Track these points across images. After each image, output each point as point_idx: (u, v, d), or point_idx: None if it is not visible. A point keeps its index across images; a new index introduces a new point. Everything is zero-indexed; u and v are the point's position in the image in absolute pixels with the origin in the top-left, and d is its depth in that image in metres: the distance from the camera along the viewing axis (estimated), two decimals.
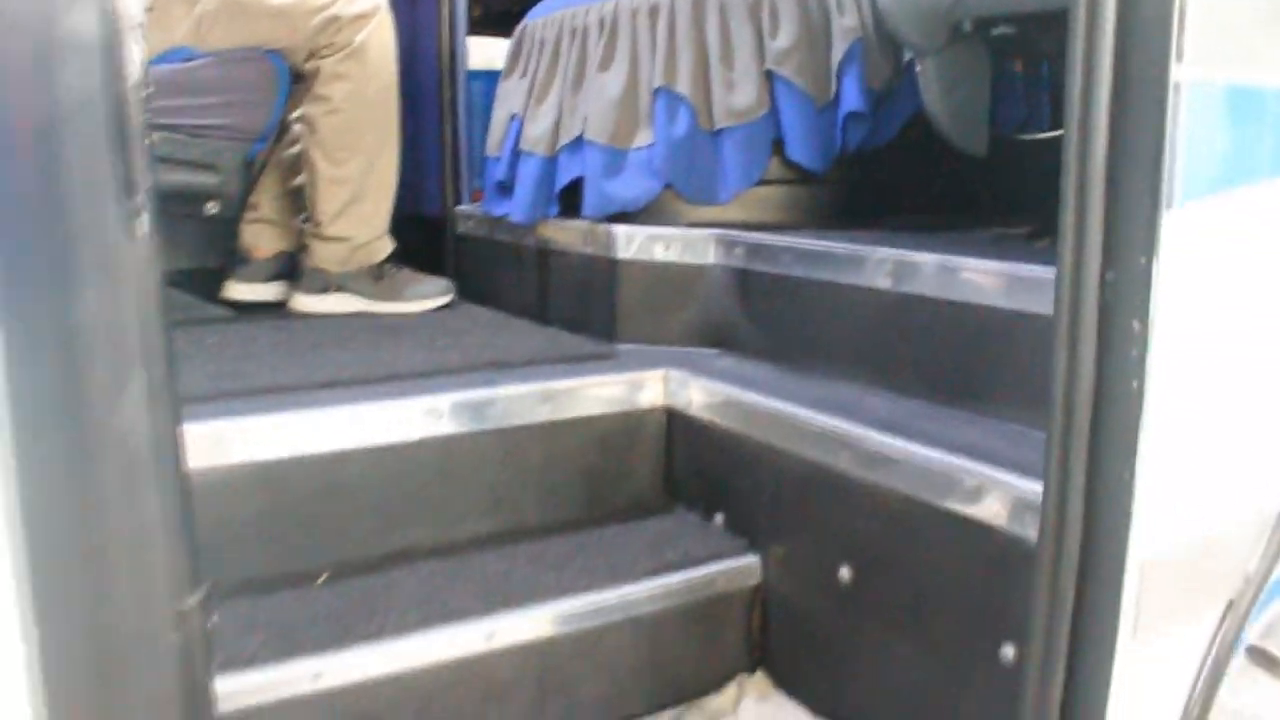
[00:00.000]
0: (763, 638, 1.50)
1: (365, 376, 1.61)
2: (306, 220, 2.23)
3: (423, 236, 2.54)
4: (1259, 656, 1.28)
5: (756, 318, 1.79)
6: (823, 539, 1.40)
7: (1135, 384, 0.93)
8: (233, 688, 1.13)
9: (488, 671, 1.31)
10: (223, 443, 1.37)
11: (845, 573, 1.34)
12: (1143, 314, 0.92)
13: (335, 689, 1.21)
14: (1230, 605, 1.12)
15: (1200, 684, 1.10)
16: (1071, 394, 0.95)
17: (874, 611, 1.32)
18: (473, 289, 2.35)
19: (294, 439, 1.42)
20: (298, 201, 2.27)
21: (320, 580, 1.38)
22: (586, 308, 2.03)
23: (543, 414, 1.59)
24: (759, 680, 1.48)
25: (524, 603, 1.35)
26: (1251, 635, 1.29)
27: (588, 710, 1.40)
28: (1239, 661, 1.28)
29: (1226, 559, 1.11)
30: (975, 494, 1.19)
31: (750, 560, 1.50)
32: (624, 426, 1.65)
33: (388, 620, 1.28)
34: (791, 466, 1.45)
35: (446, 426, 1.52)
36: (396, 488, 1.49)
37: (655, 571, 1.44)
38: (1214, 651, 1.11)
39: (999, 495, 1.17)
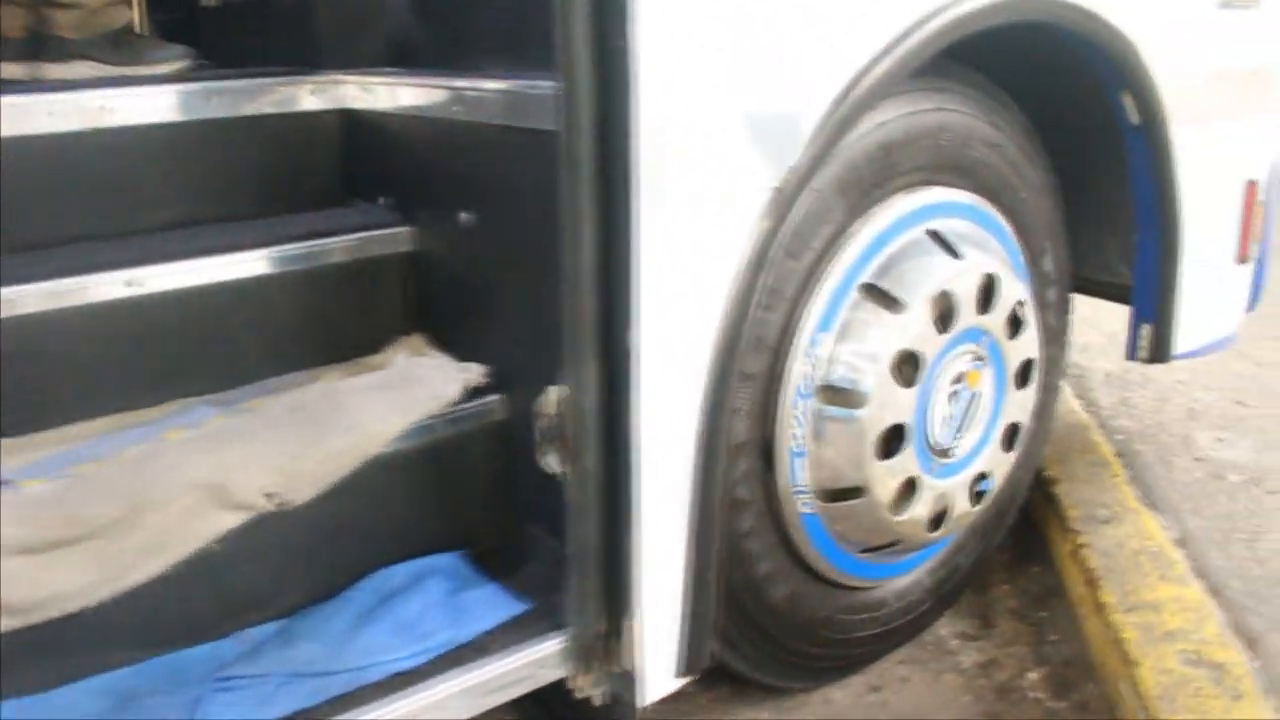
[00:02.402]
0: (420, 304, 1.67)
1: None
2: None
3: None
4: (873, 293, 1.51)
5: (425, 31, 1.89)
6: (441, 191, 1.56)
7: None
8: None
9: (138, 315, 1.44)
10: None
11: (464, 216, 1.51)
12: None
13: None
14: (777, 192, 1.31)
15: (749, 259, 1.30)
16: None
17: (486, 247, 1.50)
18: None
19: None
20: None
21: None
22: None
23: (217, 110, 1.67)
24: (416, 340, 1.65)
25: (173, 259, 1.47)
26: (867, 273, 1.53)
27: (251, 358, 1.55)
28: (853, 297, 1.52)
29: (770, 146, 1.28)
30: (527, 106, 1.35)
31: (403, 230, 1.64)
32: (298, 127, 1.75)
33: (43, 270, 1.40)
34: (418, 130, 1.59)
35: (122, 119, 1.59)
36: (74, 173, 1.56)
37: (311, 236, 1.58)
38: (760, 233, 1.30)
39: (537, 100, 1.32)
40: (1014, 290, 1.65)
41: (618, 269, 1.18)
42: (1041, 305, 1.87)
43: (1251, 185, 2.10)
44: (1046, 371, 1.93)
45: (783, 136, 1.29)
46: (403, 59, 1.83)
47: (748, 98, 1.26)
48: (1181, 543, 1.87)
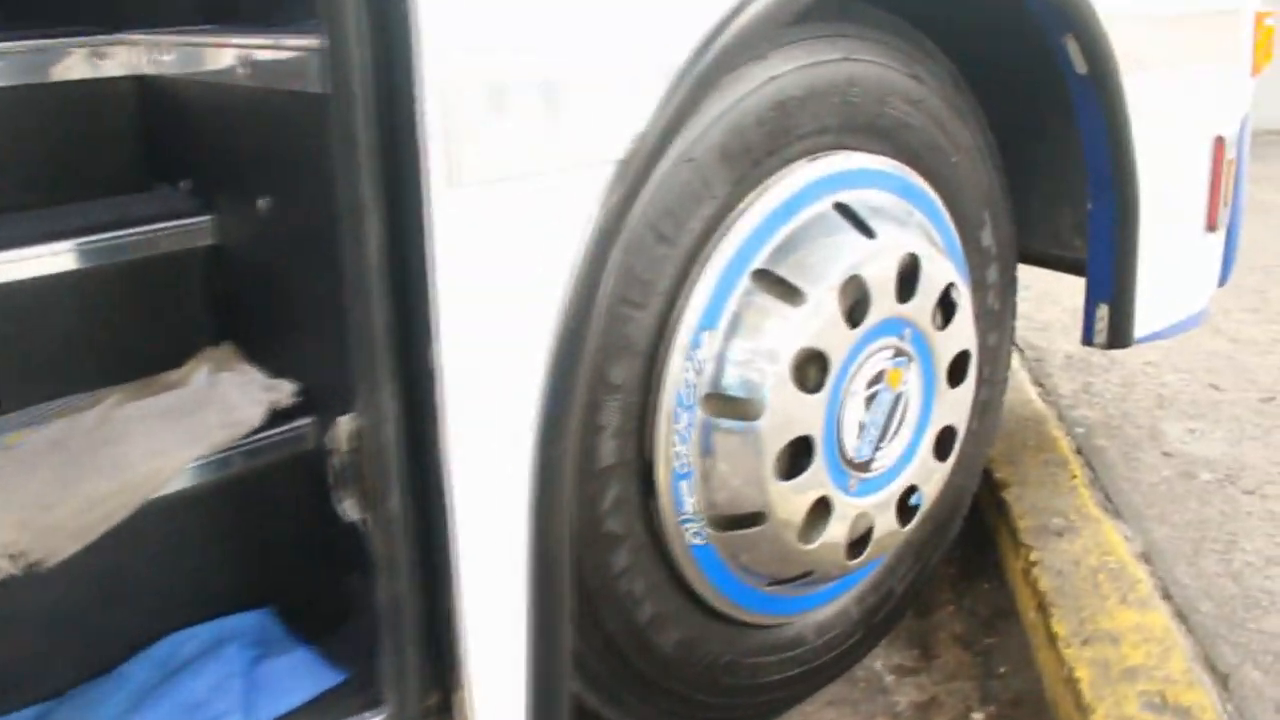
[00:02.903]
0: (228, 307, 1.40)
1: None
2: None
3: None
4: (768, 281, 1.26)
5: None
6: (239, 172, 1.30)
7: None
8: None
9: None
10: None
11: (262, 203, 1.24)
12: None
13: None
14: (622, 165, 1.05)
15: (589, 249, 1.04)
16: None
17: (287, 239, 1.23)
18: None
19: None
20: None
21: None
22: None
23: None
24: (224, 352, 1.39)
25: None
26: (760, 257, 1.27)
27: (21, 379, 1.28)
28: (744, 287, 1.26)
29: (608, 113, 1.03)
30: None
31: (204, 220, 1.37)
32: (83, 98, 1.48)
33: None
34: (214, 99, 1.32)
35: None
36: None
37: (95, 229, 1.31)
38: (603, 216, 1.05)
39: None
40: (942, 272, 1.40)
41: (411, 269, 0.92)
42: (980, 287, 1.62)
43: (1219, 142, 1.85)
44: (989, 363, 1.68)
45: (623, 98, 1.03)
46: (211, 12, 1.55)
47: (570, 50, 0.99)
48: (1146, 557, 1.64)
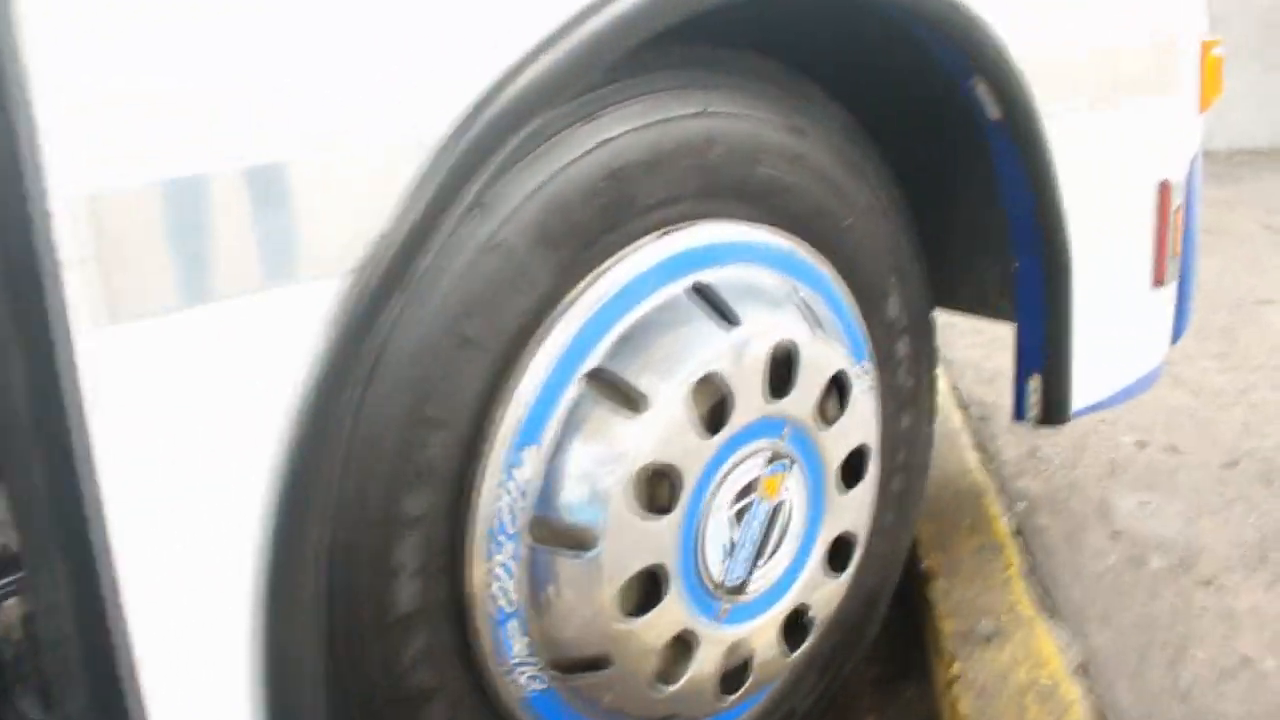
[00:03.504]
0: None
1: None
2: None
3: None
4: (604, 384, 1.05)
5: None
6: None
7: None
8: None
9: None
10: None
11: None
12: None
13: None
14: (358, 276, 0.83)
15: (315, 387, 0.82)
16: None
17: None
18: None
19: None
20: None
21: None
22: None
23: None
24: None
25: None
26: (594, 355, 1.06)
27: None
28: (574, 393, 1.05)
29: (330, 211, 0.82)
30: None
31: None
32: None
33: None
34: None
35: None
36: None
37: None
38: (335, 344, 0.83)
39: None
40: (828, 358, 1.20)
41: (68, 425, 0.71)
42: (888, 363, 1.42)
43: (1164, 188, 1.65)
44: (904, 446, 1.48)
45: (352, 189, 0.81)
46: None
47: (272, 135, 0.77)
48: (1084, 669, 1.43)
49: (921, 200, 1.53)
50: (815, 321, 1.21)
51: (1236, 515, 1.82)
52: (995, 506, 1.87)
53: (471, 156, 0.86)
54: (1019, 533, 1.79)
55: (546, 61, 0.89)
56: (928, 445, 1.56)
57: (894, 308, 1.41)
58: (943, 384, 2.40)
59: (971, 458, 2.08)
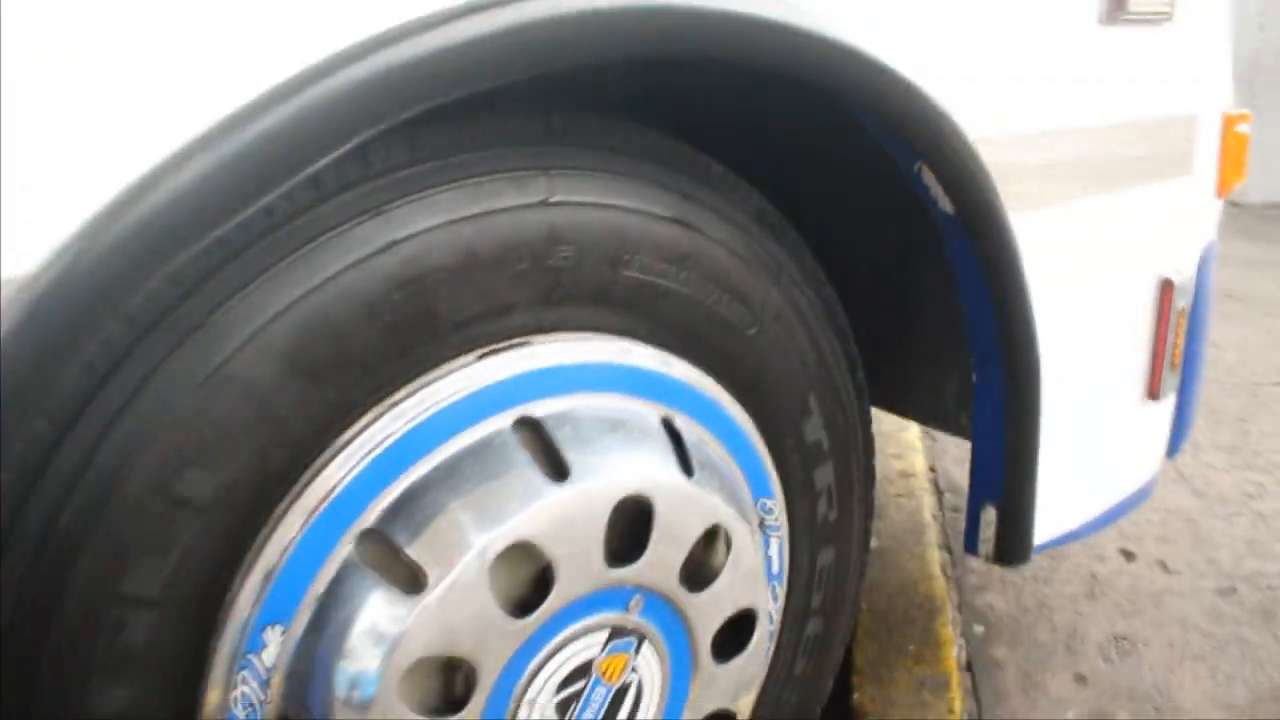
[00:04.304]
0: None
1: None
2: None
3: None
4: (378, 548, 0.82)
5: None
6: None
7: None
8: None
9: None
10: None
11: None
12: None
13: None
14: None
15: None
16: None
17: None
18: None
19: None
20: None
21: None
22: None
23: None
24: None
25: None
26: (369, 514, 0.83)
27: None
28: (339, 559, 0.82)
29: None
30: None
31: None
32: None
33: None
34: None
35: None
36: None
37: None
38: None
39: None
40: (702, 509, 0.96)
41: None
42: (806, 494, 1.17)
43: (1166, 287, 1.39)
44: (823, 587, 1.24)
45: None
46: None
47: None
48: None
49: (869, 293, 1.30)
50: (693, 460, 0.97)
51: (1226, 664, 1.56)
52: (948, 629, 1.62)
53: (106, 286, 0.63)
54: (969, 667, 1.54)
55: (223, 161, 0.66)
56: (859, 576, 1.32)
57: (814, 429, 1.16)
58: (919, 464, 2.15)
59: (935, 559, 1.83)
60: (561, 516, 0.86)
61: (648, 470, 0.92)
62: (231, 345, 0.75)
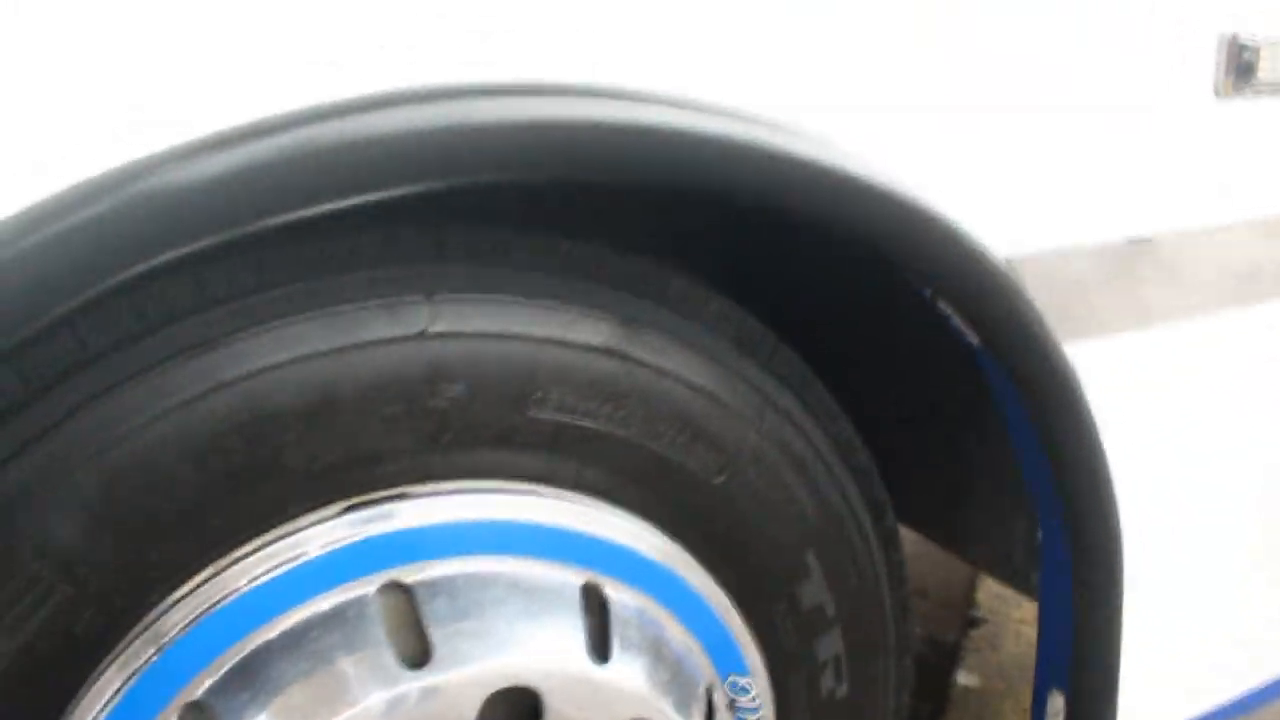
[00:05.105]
0: None
1: None
2: None
3: None
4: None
5: None
6: None
7: None
8: None
9: None
10: None
11: None
12: None
13: None
14: None
15: None
16: None
17: None
18: None
19: None
20: None
21: None
22: None
23: None
24: None
25: None
26: (197, 688, 0.73)
27: None
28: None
29: None
30: None
31: None
32: None
33: None
34: None
35: None
36: None
37: None
38: None
39: None
40: (607, 703, 0.80)
41: None
42: (802, 667, 0.98)
43: None
44: None
45: None
46: None
47: None
48: None
49: (920, 418, 1.10)
50: (612, 640, 0.82)
51: None
52: None
53: None
54: None
55: None
56: None
57: (815, 592, 0.97)
58: None
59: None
60: (414, 711, 0.72)
61: (537, 654, 0.77)
62: (25, 503, 0.66)
